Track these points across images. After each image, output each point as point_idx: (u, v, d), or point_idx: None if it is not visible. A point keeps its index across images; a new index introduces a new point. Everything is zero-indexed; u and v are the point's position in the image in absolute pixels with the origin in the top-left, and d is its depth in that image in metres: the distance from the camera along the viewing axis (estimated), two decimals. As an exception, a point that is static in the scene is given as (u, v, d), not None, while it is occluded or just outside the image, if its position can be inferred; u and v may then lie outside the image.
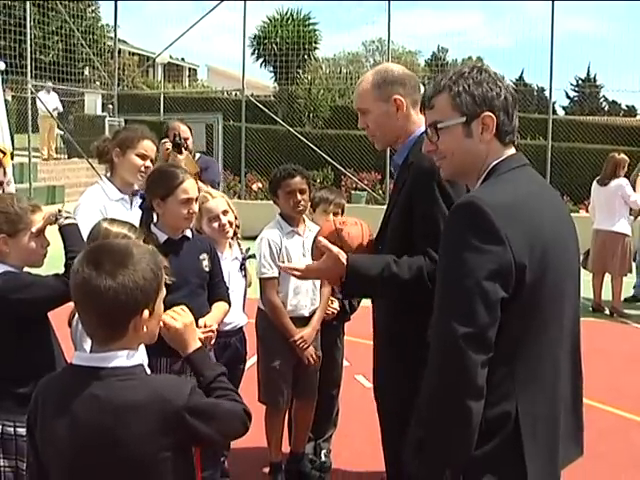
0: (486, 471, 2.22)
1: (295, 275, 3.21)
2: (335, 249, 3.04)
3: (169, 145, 6.38)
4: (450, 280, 2.18)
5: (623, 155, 10.01)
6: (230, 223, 4.36)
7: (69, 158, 22.20)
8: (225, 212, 4.36)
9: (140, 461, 2.05)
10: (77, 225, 3.33)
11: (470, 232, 2.14)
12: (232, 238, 4.50)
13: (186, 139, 6.60)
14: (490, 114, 2.33)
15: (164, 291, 2.20)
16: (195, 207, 3.87)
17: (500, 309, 2.11)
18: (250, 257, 4.53)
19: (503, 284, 2.10)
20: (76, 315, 3.48)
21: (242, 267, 4.53)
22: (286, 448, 4.88)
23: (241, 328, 4.50)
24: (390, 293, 3.14)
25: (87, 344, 3.39)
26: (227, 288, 4.14)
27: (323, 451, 5.05)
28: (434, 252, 2.88)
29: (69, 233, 3.25)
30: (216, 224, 4.33)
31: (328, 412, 5.02)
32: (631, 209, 9.89)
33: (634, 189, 9.93)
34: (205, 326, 3.75)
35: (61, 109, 20.20)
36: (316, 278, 3.26)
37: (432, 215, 2.98)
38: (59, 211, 3.28)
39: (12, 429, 3.02)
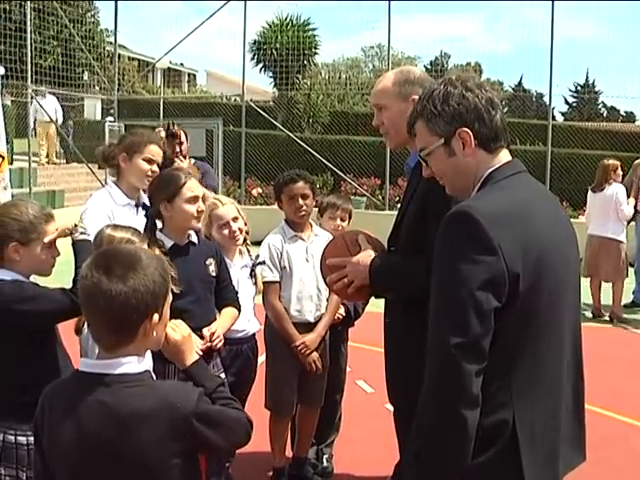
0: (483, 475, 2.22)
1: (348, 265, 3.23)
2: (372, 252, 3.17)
3: (163, 134, 6.44)
4: (443, 290, 2.18)
5: (613, 160, 10.03)
6: (240, 230, 4.34)
7: (67, 163, 22.19)
8: (235, 219, 4.35)
9: (149, 468, 2.05)
10: (90, 242, 3.31)
11: (463, 242, 2.14)
12: (242, 245, 4.48)
13: (181, 144, 6.64)
14: (464, 129, 2.32)
15: (171, 296, 2.21)
16: (202, 205, 3.87)
17: (495, 318, 2.10)
18: (260, 264, 4.51)
19: (496, 294, 2.10)
20: (85, 323, 3.48)
21: (252, 274, 4.51)
22: (288, 452, 4.88)
23: (253, 335, 4.49)
24: (402, 290, 3.18)
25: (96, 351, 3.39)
26: (236, 292, 4.13)
27: (325, 456, 5.05)
28: None
29: (82, 249, 3.23)
30: (226, 231, 4.31)
31: (331, 417, 5.02)
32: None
33: (629, 194, 10.00)
34: (212, 335, 3.76)
35: (60, 113, 19.89)
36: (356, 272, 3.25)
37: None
38: (75, 225, 3.27)
39: (13, 437, 2.99)
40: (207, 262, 3.93)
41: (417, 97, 3.19)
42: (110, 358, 2.10)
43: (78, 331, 3.57)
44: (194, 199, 3.82)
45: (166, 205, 3.82)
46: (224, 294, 4.02)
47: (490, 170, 2.34)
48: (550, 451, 2.28)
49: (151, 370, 2.30)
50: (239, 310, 4.08)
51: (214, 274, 3.95)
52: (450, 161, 2.37)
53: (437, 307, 2.18)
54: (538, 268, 2.17)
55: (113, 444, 2.03)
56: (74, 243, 3.25)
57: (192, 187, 3.84)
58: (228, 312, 4.00)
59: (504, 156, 2.38)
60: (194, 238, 3.94)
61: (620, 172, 9.92)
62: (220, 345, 3.86)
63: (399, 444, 3.41)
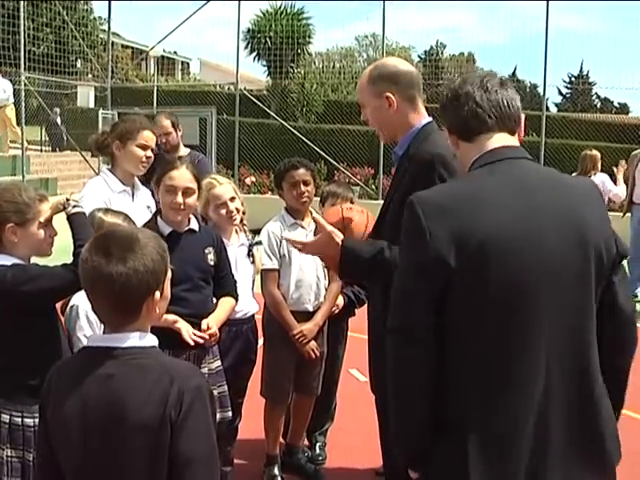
0: (433, 471, 2.27)
1: (297, 247, 3.32)
2: (329, 227, 3.15)
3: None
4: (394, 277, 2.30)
5: (595, 151, 10.48)
6: (237, 209, 4.33)
7: (53, 151, 22.08)
8: (232, 199, 4.32)
9: (152, 441, 2.05)
10: (85, 214, 3.33)
11: (405, 229, 2.25)
12: (239, 225, 4.46)
13: (168, 134, 6.63)
14: (445, 126, 2.47)
15: (170, 272, 2.24)
16: (180, 199, 3.79)
17: (438, 310, 2.15)
18: (257, 244, 4.51)
19: (424, 280, 2.15)
20: (68, 305, 3.50)
21: (249, 253, 4.49)
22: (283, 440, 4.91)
23: (252, 316, 4.48)
24: (381, 278, 3.18)
25: (81, 332, 3.42)
26: (235, 282, 4.11)
27: (318, 444, 5.08)
28: None
29: (77, 222, 3.24)
30: (223, 211, 4.29)
31: (326, 406, 5.04)
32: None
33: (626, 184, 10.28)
34: (208, 327, 3.76)
35: (11, 93, 18.15)
36: (315, 253, 3.35)
37: None
38: (67, 200, 3.28)
39: (20, 419, 3.02)
40: (206, 251, 3.91)
41: (389, 94, 3.26)
42: (117, 333, 2.14)
43: (62, 312, 3.59)
44: (173, 188, 3.80)
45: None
46: (222, 283, 4.00)
47: (473, 159, 2.37)
48: (505, 465, 2.17)
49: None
50: (236, 300, 4.08)
51: (212, 263, 3.93)
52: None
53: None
54: (481, 262, 2.14)
55: (118, 414, 2.05)
56: (69, 217, 3.26)
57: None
58: (225, 302, 3.99)
59: (493, 142, 2.36)
60: (194, 226, 3.93)
61: (599, 164, 10.33)
62: (214, 342, 3.85)
63: (380, 436, 3.43)
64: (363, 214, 3.38)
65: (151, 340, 2.18)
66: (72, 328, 3.48)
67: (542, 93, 17.29)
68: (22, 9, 17.15)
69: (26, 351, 3.07)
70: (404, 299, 2.21)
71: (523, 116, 2.43)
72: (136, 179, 4.48)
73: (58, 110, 21.20)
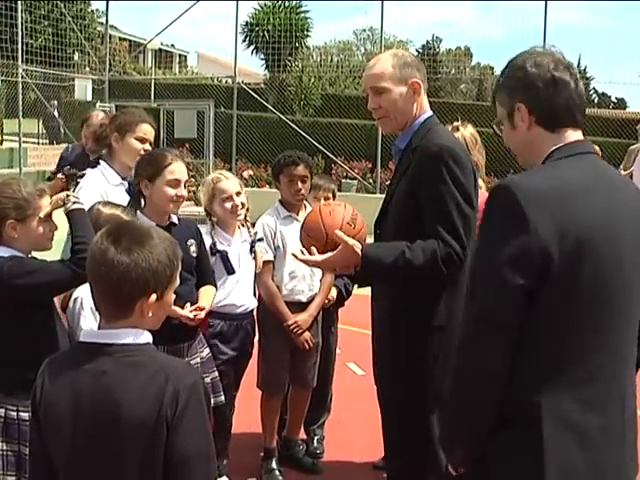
0: (497, 460, 2.18)
1: (310, 265, 3.30)
2: (351, 241, 3.08)
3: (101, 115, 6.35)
4: (477, 262, 2.21)
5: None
6: (243, 204, 4.32)
7: (51, 144, 22.05)
8: (238, 193, 4.31)
9: (147, 439, 2.04)
10: (84, 210, 3.32)
11: (499, 215, 2.14)
12: (242, 221, 4.45)
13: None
14: (520, 104, 2.29)
15: (177, 282, 2.22)
16: (184, 192, 3.84)
17: (527, 299, 2.07)
18: (259, 240, 4.50)
19: (524, 271, 2.06)
20: (72, 298, 3.50)
21: (251, 250, 4.48)
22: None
23: (252, 311, 4.50)
24: (405, 280, 3.17)
25: (86, 324, 3.41)
26: (213, 271, 4.14)
27: (316, 437, 5.07)
28: (446, 233, 3.00)
29: (77, 219, 3.23)
30: (229, 204, 4.27)
31: (321, 398, 5.03)
32: None
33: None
34: (201, 308, 3.79)
35: None
36: (332, 269, 3.34)
37: (441, 196, 3.05)
38: (67, 196, 3.27)
39: (15, 413, 3.02)
40: (188, 243, 3.93)
41: (417, 80, 3.26)
42: (110, 329, 2.12)
43: (64, 308, 3.58)
44: (175, 182, 3.80)
45: (147, 184, 3.82)
46: (203, 274, 4.04)
47: (552, 149, 2.29)
48: (592, 461, 2.14)
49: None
50: (216, 288, 4.11)
51: (195, 255, 3.97)
52: (511, 134, 2.37)
53: (470, 279, 2.22)
54: (578, 254, 2.08)
55: (111, 412, 2.03)
56: (68, 213, 3.25)
57: (175, 170, 3.81)
58: (209, 290, 4.03)
59: (571, 136, 2.30)
60: (175, 219, 3.95)
61: None
62: (200, 317, 3.84)
63: (383, 430, 3.44)
64: (340, 206, 3.30)
65: (146, 337, 2.16)
66: (75, 320, 3.46)
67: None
68: (20, 1, 17.10)
69: (22, 345, 3.06)
70: (491, 288, 2.10)
71: None
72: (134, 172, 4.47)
73: (55, 103, 21.21)
